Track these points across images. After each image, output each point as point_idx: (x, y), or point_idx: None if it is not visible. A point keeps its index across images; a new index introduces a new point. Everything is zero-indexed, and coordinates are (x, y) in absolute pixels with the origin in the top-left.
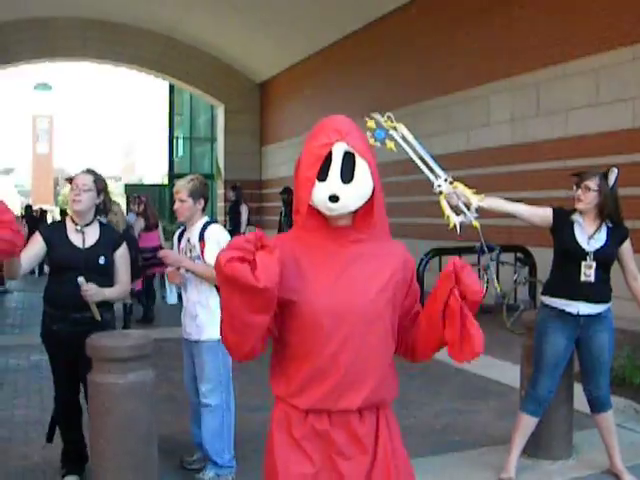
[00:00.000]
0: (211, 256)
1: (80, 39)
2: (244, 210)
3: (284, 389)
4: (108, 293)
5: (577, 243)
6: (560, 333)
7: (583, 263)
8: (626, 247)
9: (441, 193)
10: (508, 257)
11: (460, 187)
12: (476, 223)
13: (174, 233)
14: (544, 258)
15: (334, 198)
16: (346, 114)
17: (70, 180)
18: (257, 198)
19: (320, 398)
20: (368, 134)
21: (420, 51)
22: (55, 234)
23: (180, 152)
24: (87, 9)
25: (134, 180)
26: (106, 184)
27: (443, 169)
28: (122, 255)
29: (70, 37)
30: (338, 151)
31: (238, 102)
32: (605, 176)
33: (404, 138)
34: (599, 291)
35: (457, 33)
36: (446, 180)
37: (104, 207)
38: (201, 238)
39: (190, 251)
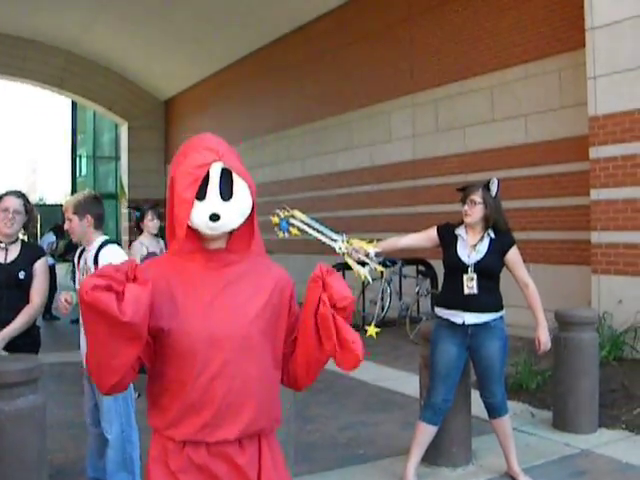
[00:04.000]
0: None
1: None
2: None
3: (159, 421)
4: (11, 331)
5: (458, 257)
6: (450, 342)
7: (465, 276)
8: (512, 256)
9: (344, 254)
10: (410, 270)
11: (355, 242)
12: (380, 268)
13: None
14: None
15: (215, 217)
16: (251, 131)
17: None
18: (162, 216)
19: (196, 430)
20: (275, 229)
21: (324, 68)
22: None
23: (83, 171)
24: None
25: (35, 199)
26: (32, 205)
27: (337, 232)
28: (40, 267)
29: None
30: (216, 170)
31: (142, 120)
32: (487, 187)
33: (301, 220)
34: (484, 301)
35: (360, 50)
36: (343, 241)
37: (27, 225)
38: (96, 260)
39: (86, 272)
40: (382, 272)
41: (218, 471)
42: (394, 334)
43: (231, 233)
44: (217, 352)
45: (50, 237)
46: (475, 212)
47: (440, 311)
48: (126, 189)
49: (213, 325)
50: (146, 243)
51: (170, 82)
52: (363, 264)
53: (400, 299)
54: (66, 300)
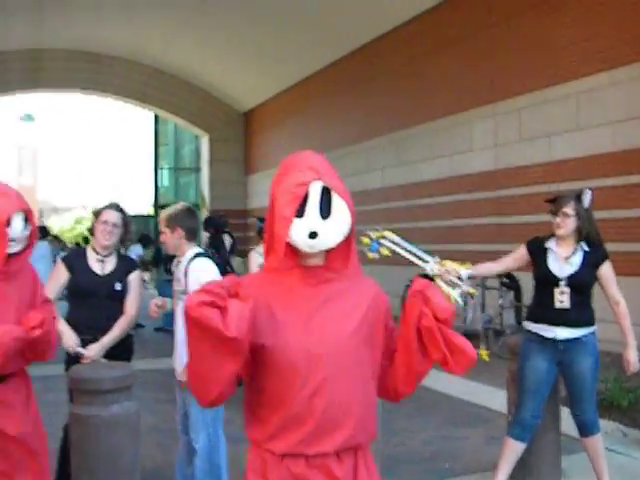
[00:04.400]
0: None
1: (65, 70)
2: (226, 240)
3: (259, 435)
4: (109, 340)
5: (549, 270)
6: (541, 357)
7: (556, 290)
8: (605, 271)
9: (435, 275)
10: (493, 282)
11: (448, 264)
12: (472, 290)
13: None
14: (529, 283)
15: (313, 234)
16: (330, 143)
17: (96, 214)
18: (242, 227)
19: (295, 443)
20: (365, 249)
21: (403, 79)
22: (77, 262)
23: (165, 182)
24: (72, 41)
25: None
26: (129, 219)
27: (430, 254)
28: (134, 279)
29: (55, 68)
30: (315, 189)
31: (222, 131)
32: (579, 198)
33: (392, 241)
34: (576, 316)
35: (440, 59)
36: (435, 262)
37: (124, 239)
38: (186, 272)
39: (179, 283)
40: (473, 294)
41: None
42: (477, 347)
43: (329, 250)
44: (316, 368)
45: (137, 248)
46: (567, 224)
47: (530, 325)
48: (207, 200)
49: (312, 341)
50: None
51: (249, 94)
52: (454, 286)
53: (483, 311)
54: (156, 304)
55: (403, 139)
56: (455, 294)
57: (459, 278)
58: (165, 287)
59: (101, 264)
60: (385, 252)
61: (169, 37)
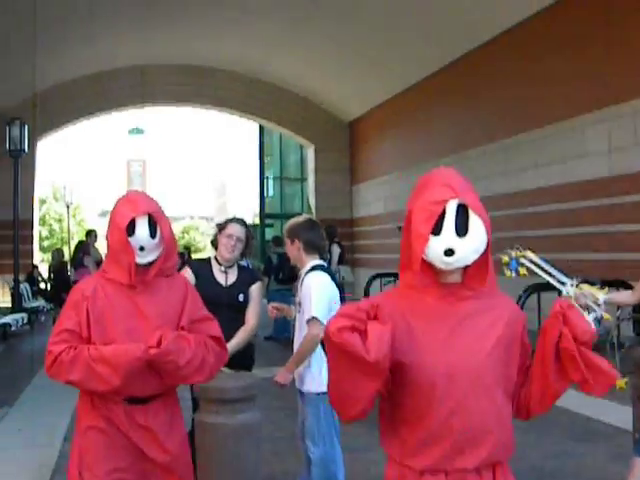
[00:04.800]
0: (306, 309)
1: (170, 84)
2: (335, 250)
3: (398, 451)
4: (231, 349)
5: None
6: None
7: None
8: None
9: (571, 297)
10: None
11: (585, 287)
12: (607, 316)
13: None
14: None
15: (449, 252)
16: (436, 151)
17: (221, 227)
18: (349, 236)
19: (436, 460)
20: (504, 268)
21: (511, 83)
22: (203, 270)
23: (271, 192)
24: (176, 56)
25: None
26: (252, 233)
27: (567, 275)
28: (255, 290)
29: (161, 83)
30: (452, 207)
31: (327, 141)
32: None
33: (531, 261)
34: None
35: (548, 63)
36: (572, 285)
37: (245, 252)
38: (301, 284)
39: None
40: (607, 320)
41: None
42: None
43: (466, 268)
44: (455, 386)
45: (247, 261)
46: None
47: None
48: (313, 210)
49: (451, 360)
50: None
51: (355, 103)
52: (589, 310)
53: (599, 323)
54: (275, 307)
55: (508, 147)
56: (590, 318)
57: (596, 303)
58: (275, 297)
59: (224, 275)
60: (523, 271)
61: (270, 47)
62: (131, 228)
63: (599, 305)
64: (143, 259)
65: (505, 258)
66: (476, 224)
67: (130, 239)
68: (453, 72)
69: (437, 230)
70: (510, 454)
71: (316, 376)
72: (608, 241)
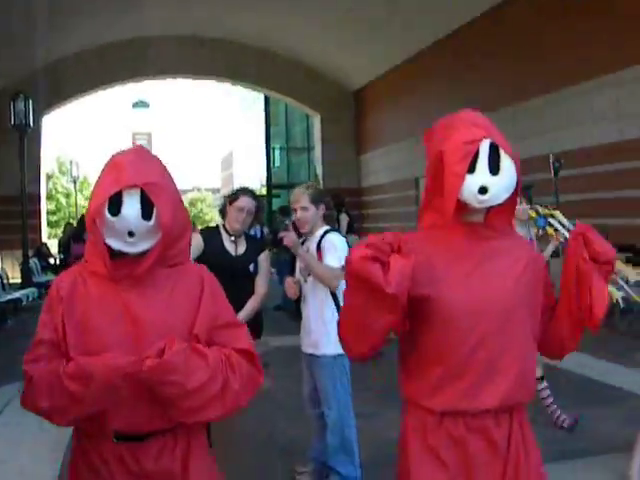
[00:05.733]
0: (331, 259)
1: (176, 56)
2: (343, 219)
3: (416, 390)
4: (241, 318)
5: None
6: None
7: None
8: None
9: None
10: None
11: (617, 264)
12: (636, 297)
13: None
14: None
15: (483, 189)
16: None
17: (231, 199)
18: (357, 205)
19: (455, 398)
20: (531, 222)
21: (518, 50)
22: (212, 239)
23: (277, 162)
24: (181, 27)
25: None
26: (261, 205)
27: None
28: (263, 259)
29: (166, 55)
30: (485, 146)
31: (333, 111)
32: None
33: (560, 222)
34: None
35: (563, 26)
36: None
37: (252, 223)
38: (319, 247)
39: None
40: (636, 301)
41: (474, 444)
42: (602, 326)
43: (489, 209)
44: (477, 322)
45: (255, 228)
46: None
47: None
48: (320, 179)
49: (473, 296)
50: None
51: (359, 73)
52: (619, 287)
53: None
54: (293, 281)
55: (538, 107)
56: (618, 294)
57: (626, 281)
58: (284, 266)
59: (234, 245)
60: (550, 231)
61: (277, 17)
62: (116, 205)
63: (630, 285)
64: (133, 247)
65: (532, 214)
66: (507, 163)
67: (115, 220)
68: (461, 38)
69: (472, 169)
70: (531, 397)
71: (333, 338)
72: (618, 207)
